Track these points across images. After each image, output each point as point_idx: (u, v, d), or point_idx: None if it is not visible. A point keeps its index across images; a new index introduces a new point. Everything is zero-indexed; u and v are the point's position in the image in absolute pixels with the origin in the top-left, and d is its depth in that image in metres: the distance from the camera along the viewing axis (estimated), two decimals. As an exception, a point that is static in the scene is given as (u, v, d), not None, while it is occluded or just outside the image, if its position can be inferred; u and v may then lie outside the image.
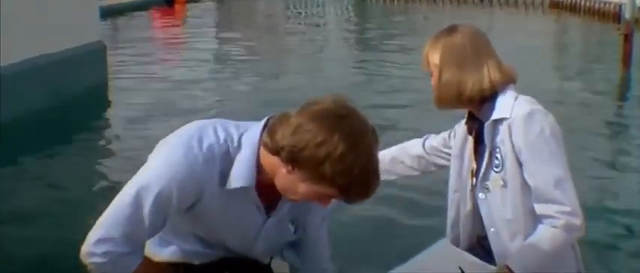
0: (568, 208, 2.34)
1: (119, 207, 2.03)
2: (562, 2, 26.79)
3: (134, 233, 2.03)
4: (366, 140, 1.89)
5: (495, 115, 2.43)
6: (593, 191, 5.86)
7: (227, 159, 2.02)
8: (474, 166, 2.57)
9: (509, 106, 2.41)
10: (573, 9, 25.54)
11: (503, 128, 2.41)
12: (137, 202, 2.00)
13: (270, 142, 1.95)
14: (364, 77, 11.82)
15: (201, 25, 20.71)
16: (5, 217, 5.20)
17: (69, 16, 9.05)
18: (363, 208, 5.04)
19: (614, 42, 13.75)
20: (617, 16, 20.72)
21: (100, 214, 2.06)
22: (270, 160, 1.98)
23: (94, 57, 9.81)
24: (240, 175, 2.02)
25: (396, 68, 12.32)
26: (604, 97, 10.38)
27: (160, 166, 2.01)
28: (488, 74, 2.44)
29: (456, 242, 2.69)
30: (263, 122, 2.05)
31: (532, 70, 12.33)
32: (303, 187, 1.95)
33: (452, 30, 2.52)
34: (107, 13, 18.12)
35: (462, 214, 2.65)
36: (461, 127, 2.66)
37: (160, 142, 2.09)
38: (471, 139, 2.59)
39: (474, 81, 2.43)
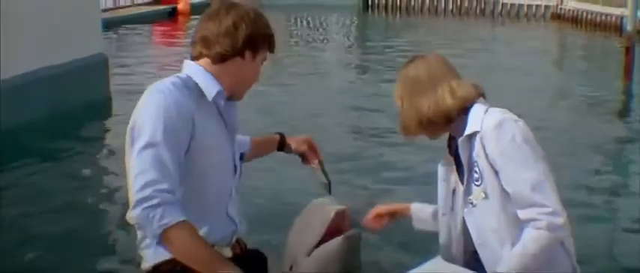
0: (549, 209, 2.37)
1: (142, 157, 2.21)
2: (564, 14, 26.85)
3: (165, 172, 2.20)
4: (245, 4, 2.53)
5: (467, 131, 2.49)
6: (594, 200, 5.88)
7: (189, 86, 2.39)
8: (459, 184, 2.62)
9: (479, 119, 2.48)
10: (575, 21, 25.59)
11: (476, 142, 2.47)
12: (153, 143, 2.21)
13: (214, 56, 2.43)
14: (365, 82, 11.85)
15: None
16: (5, 228, 5.19)
17: (71, 28, 9.08)
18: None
19: (616, 54, 13.76)
20: (618, 28, 20.78)
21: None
22: (226, 71, 2.44)
23: (96, 69, 9.83)
24: (209, 85, 2.41)
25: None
26: (606, 109, 10.38)
27: (153, 110, 2.27)
28: (446, 94, 2.53)
29: (451, 262, 2.71)
30: (188, 60, 2.50)
31: (533, 83, 12.39)
32: (255, 66, 2.49)
33: (409, 62, 2.67)
34: (109, 25, 18.15)
35: (453, 235, 2.68)
36: (446, 153, 2.72)
37: (132, 120, 2.31)
38: (452, 160, 2.64)
39: (430, 104, 2.54)
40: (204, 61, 2.46)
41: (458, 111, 2.53)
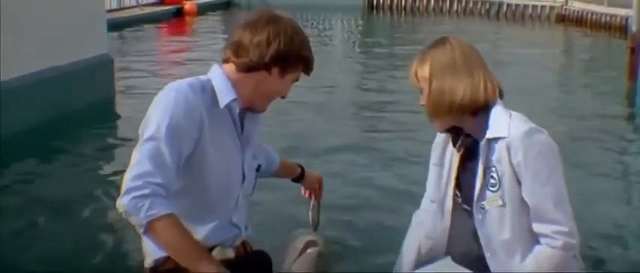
0: (566, 229, 2.36)
1: (142, 149, 2.24)
2: (568, 16, 26.81)
3: (161, 166, 2.21)
4: (289, 19, 2.51)
5: (491, 134, 2.42)
6: (599, 205, 5.86)
7: (206, 89, 2.38)
8: (455, 178, 2.58)
9: (505, 124, 2.41)
10: (580, 22, 25.55)
11: (500, 147, 2.40)
12: (155, 137, 2.24)
13: (240, 65, 2.40)
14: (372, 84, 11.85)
15: (211, 37, 20.68)
16: (8, 232, 5.20)
17: (75, 28, 9.09)
18: (369, 221, 5.08)
19: (621, 55, 13.72)
20: (623, 29, 20.72)
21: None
22: (247, 81, 2.41)
23: (100, 70, 9.84)
24: (224, 92, 2.39)
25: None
26: (610, 110, 10.35)
27: (162, 107, 2.28)
28: (481, 83, 2.44)
29: (432, 251, 2.70)
30: (216, 65, 2.47)
31: (539, 84, 12.36)
32: (282, 83, 2.46)
33: (439, 42, 2.52)
34: (115, 26, 18.16)
35: (438, 226, 2.64)
36: (440, 137, 2.64)
37: (145, 117, 2.32)
38: (455, 152, 2.59)
39: (465, 87, 2.43)
40: (230, 66, 2.45)
41: (488, 103, 2.44)
